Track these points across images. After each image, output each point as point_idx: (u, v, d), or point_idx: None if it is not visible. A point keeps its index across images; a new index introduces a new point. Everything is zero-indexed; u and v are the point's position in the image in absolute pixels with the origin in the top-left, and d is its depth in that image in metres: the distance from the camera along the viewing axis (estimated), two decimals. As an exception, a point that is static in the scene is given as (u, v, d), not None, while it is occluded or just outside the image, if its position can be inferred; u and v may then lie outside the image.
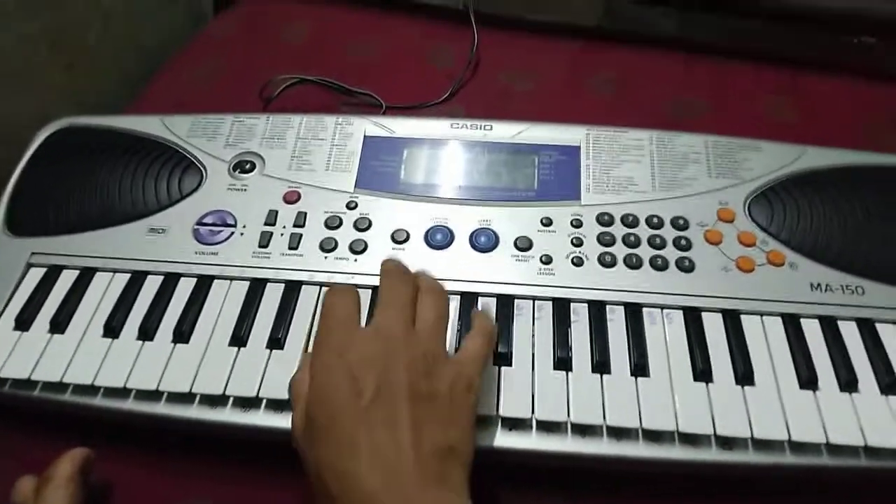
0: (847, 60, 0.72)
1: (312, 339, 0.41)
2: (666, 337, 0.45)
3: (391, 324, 0.38)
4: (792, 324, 0.45)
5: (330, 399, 0.34)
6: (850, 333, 0.45)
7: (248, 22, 0.81)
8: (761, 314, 0.46)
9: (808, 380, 0.42)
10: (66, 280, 0.48)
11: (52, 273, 0.49)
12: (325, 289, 0.45)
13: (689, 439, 0.41)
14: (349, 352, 0.36)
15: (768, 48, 0.74)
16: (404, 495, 0.32)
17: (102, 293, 0.47)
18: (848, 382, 0.42)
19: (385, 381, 0.35)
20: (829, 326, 0.45)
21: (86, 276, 0.48)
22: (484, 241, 0.49)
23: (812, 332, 0.45)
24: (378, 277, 0.46)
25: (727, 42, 0.74)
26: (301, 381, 0.38)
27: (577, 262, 0.48)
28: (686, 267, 0.47)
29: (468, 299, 0.47)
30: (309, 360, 0.38)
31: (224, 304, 0.46)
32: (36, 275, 0.49)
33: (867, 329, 0.45)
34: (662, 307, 0.46)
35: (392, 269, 0.42)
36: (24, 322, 0.46)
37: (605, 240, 0.49)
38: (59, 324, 0.46)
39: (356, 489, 0.32)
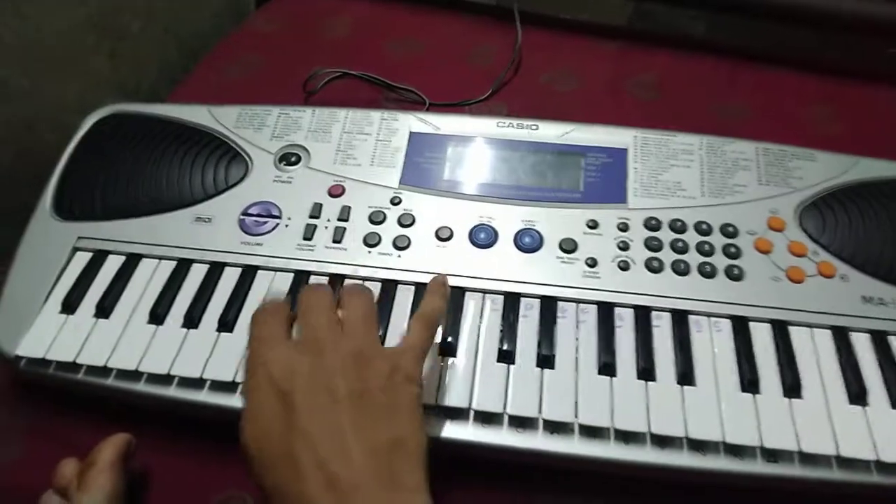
0: (887, 69, 0.71)
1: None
2: (713, 346, 0.44)
3: (313, 330, 0.36)
4: (842, 337, 0.44)
5: (262, 420, 0.33)
6: (903, 349, 0.44)
7: (290, 16, 0.81)
8: (810, 326, 0.45)
9: (857, 394, 0.42)
10: (112, 265, 0.49)
11: (99, 258, 0.49)
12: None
13: (735, 450, 0.40)
14: (272, 367, 0.34)
15: (810, 55, 0.73)
16: None
17: (148, 280, 0.48)
18: (898, 399, 0.41)
19: (314, 389, 0.33)
20: (881, 341, 0.44)
21: (132, 262, 0.49)
22: (528, 242, 0.49)
23: (862, 346, 0.44)
24: (422, 274, 0.46)
25: (770, 48, 0.73)
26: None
27: (624, 266, 0.47)
28: (735, 275, 0.46)
29: (511, 300, 0.46)
30: None
31: (269, 295, 0.46)
32: (82, 259, 0.49)
33: (920, 345, 0.44)
34: (710, 315, 0.45)
35: (308, 286, 0.42)
36: (69, 305, 0.46)
37: (653, 245, 0.48)
38: (104, 308, 0.46)
39: None
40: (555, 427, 0.41)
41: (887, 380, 0.42)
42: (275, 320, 0.38)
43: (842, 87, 0.71)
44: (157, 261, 0.49)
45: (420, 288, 0.47)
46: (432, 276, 0.47)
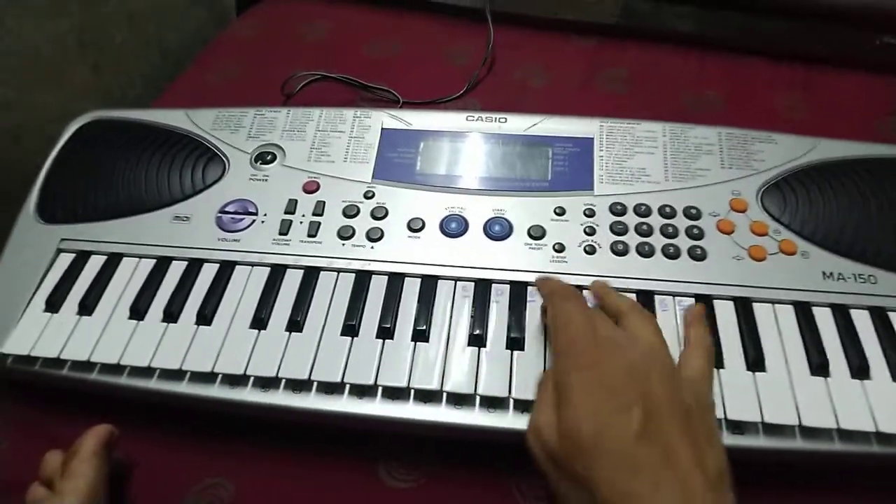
0: (862, 57, 0.72)
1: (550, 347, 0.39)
2: (678, 324, 0.45)
3: (638, 333, 0.37)
4: (803, 312, 0.45)
5: (596, 415, 0.33)
6: (863, 321, 0.45)
7: (270, 22, 0.83)
8: (773, 302, 0.46)
9: (819, 366, 0.43)
10: (94, 265, 0.50)
11: (81, 258, 0.50)
12: (546, 293, 0.43)
13: (700, 423, 0.41)
14: (603, 364, 0.35)
15: (783, 45, 0.74)
16: None
17: (129, 277, 0.49)
18: (859, 369, 0.43)
19: (647, 395, 0.33)
20: (841, 314, 0.45)
21: (113, 261, 0.50)
22: (498, 230, 0.50)
23: (824, 319, 0.45)
24: (395, 264, 0.48)
25: (741, 39, 0.75)
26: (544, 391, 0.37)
27: (590, 250, 0.49)
28: (698, 255, 0.48)
29: (482, 286, 0.48)
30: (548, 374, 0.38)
31: (245, 289, 0.48)
32: (65, 260, 0.50)
33: (879, 317, 0.45)
34: (674, 295, 0.46)
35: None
36: (53, 304, 0.48)
37: (618, 229, 0.49)
38: (87, 306, 0.47)
39: None
40: (525, 406, 0.42)
41: (847, 351, 0.44)
42: (582, 307, 0.39)
43: (811, 75, 0.72)
44: (137, 259, 0.50)
45: (393, 278, 0.48)
46: (407, 265, 0.48)
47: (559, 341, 0.38)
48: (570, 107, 0.68)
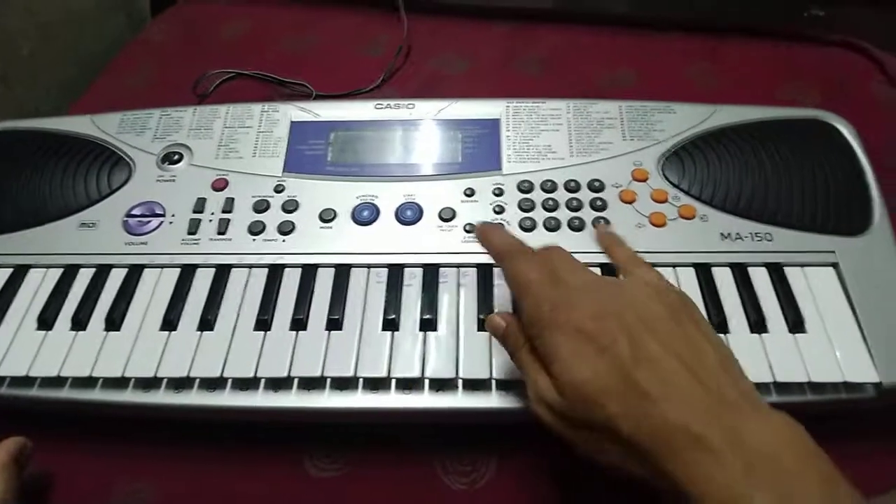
0: (785, 28, 0.74)
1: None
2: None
3: (579, 272, 0.37)
4: (703, 272, 0.47)
5: (585, 362, 0.33)
6: (760, 278, 0.47)
7: (185, 23, 0.82)
8: (674, 265, 0.47)
9: (717, 323, 0.44)
10: (0, 278, 0.49)
11: (-14, 273, 0.49)
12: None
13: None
14: (572, 314, 0.34)
15: (694, 18, 0.76)
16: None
17: (36, 289, 0.48)
18: (756, 323, 0.44)
19: (624, 327, 0.33)
20: (740, 272, 0.47)
21: (19, 273, 0.49)
22: (409, 215, 0.51)
23: (724, 279, 0.47)
24: (307, 256, 0.48)
25: (655, 15, 0.77)
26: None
27: (499, 228, 0.49)
28: (601, 226, 0.49)
29: (395, 271, 0.48)
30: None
31: (155, 291, 0.47)
32: (-30, 276, 0.49)
33: (776, 273, 0.47)
34: (581, 265, 0.47)
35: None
36: (-42, 321, 0.47)
37: (525, 206, 0.50)
38: (-8, 320, 0.46)
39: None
40: (440, 385, 0.43)
41: (746, 307, 0.45)
42: (535, 263, 0.38)
43: (721, 45, 0.74)
44: (44, 270, 0.49)
45: (306, 270, 0.48)
46: (320, 255, 0.49)
47: (523, 305, 0.37)
48: (486, 91, 0.68)
